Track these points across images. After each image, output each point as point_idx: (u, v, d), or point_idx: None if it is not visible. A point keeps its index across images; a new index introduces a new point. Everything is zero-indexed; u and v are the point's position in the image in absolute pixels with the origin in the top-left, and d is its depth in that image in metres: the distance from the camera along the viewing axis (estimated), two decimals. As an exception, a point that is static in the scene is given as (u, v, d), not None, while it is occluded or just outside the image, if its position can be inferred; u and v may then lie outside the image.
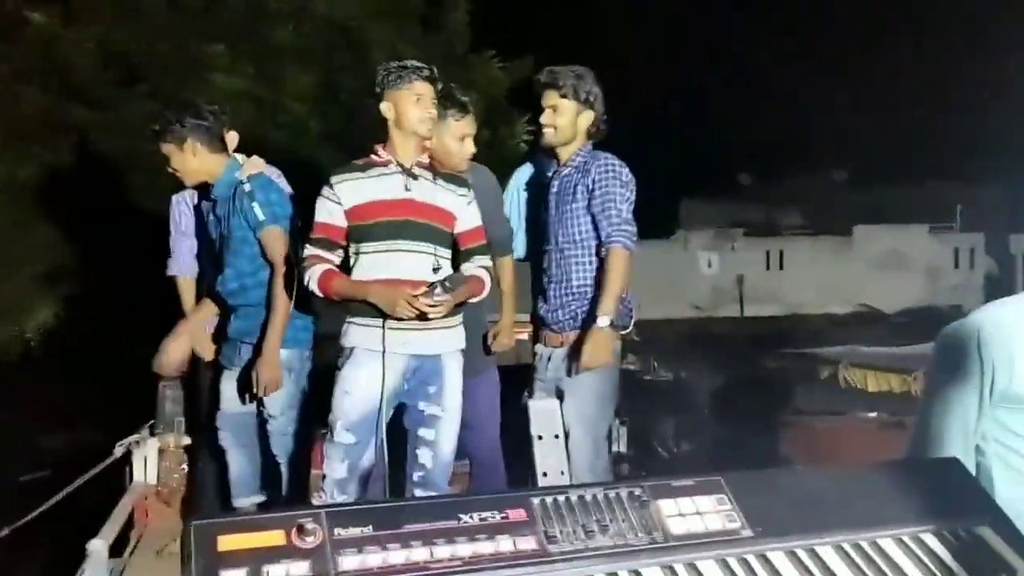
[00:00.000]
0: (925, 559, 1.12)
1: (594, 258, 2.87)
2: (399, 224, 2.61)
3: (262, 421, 3.00)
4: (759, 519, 1.09)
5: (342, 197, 2.62)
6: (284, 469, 3.01)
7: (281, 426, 2.97)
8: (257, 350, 2.87)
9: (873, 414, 5.69)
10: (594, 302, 2.81)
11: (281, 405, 2.94)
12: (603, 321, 2.75)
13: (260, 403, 2.95)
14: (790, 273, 13.46)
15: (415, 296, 2.49)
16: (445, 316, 2.60)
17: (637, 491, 1.07)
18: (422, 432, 2.66)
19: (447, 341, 2.69)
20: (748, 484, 1.14)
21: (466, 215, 2.75)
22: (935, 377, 1.59)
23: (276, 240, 2.86)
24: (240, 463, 3.05)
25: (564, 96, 2.90)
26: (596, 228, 2.85)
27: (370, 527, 0.91)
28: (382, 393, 2.59)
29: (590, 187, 2.85)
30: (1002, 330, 1.48)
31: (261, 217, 2.84)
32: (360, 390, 2.60)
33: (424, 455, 2.65)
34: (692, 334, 7.89)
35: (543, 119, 2.95)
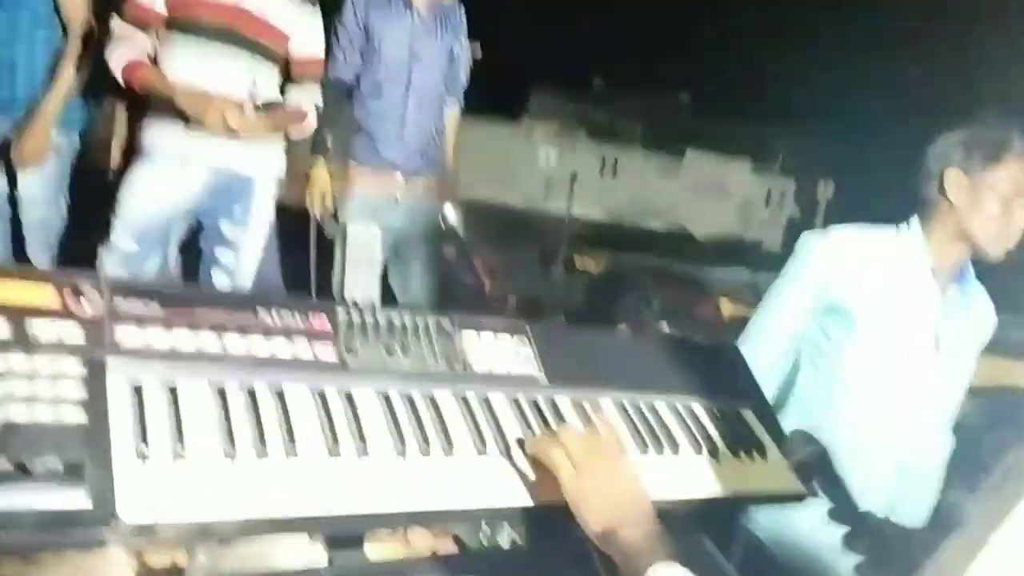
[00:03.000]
0: (691, 425, 1.22)
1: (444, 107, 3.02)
2: (221, 31, 2.40)
3: (16, 215, 2.65)
4: (554, 367, 1.14)
5: None
6: None
7: (42, 218, 2.64)
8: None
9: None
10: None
11: (42, 190, 2.60)
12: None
13: (13, 188, 2.60)
14: (621, 181, 13.93)
15: (227, 109, 2.34)
16: (264, 138, 2.48)
17: (445, 322, 1.08)
18: (219, 253, 2.54)
19: (264, 162, 2.56)
20: (550, 334, 1.18)
21: (305, 37, 2.58)
22: (782, 276, 1.80)
23: None
24: None
25: None
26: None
27: (157, 305, 0.86)
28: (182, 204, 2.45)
29: (455, 38, 2.96)
30: (845, 247, 1.72)
31: None
32: (152, 194, 2.42)
33: (219, 279, 2.55)
34: (517, 223, 7.99)
35: None
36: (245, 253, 2.56)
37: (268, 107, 2.44)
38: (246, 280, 2.56)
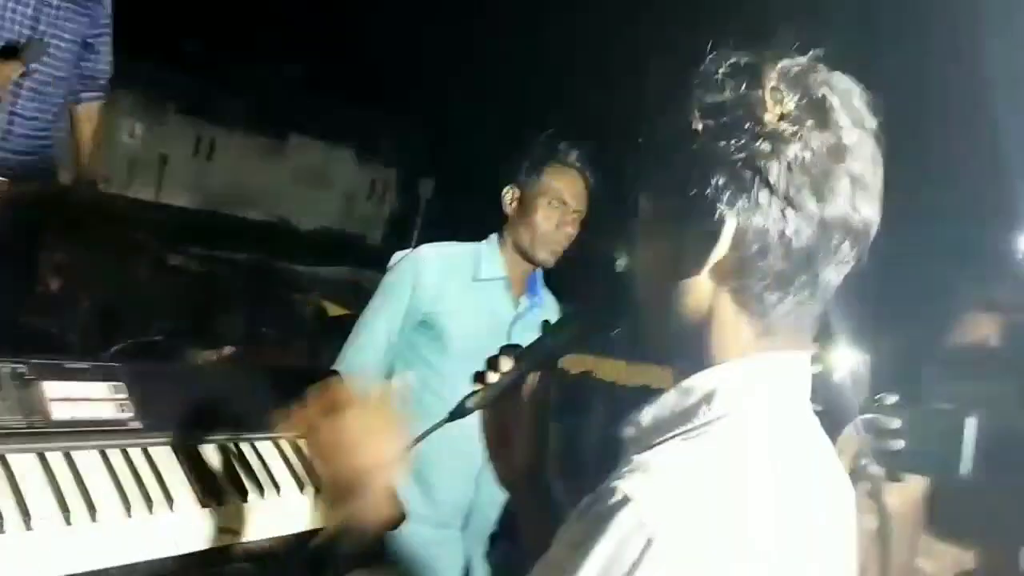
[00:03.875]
0: (292, 461, 1.30)
1: None
2: None
3: None
4: (151, 412, 1.14)
5: None
6: None
7: None
8: None
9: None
10: None
11: None
12: None
13: None
14: (217, 165, 13.35)
15: None
16: None
17: (21, 368, 1.03)
18: None
19: None
20: (146, 376, 1.17)
21: None
22: (378, 291, 1.93)
23: None
24: None
25: None
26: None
27: None
28: None
29: (94, 24, 2.84)
30: (433, 266, 1.90)
31: None
32: None
33: None
34: (94, 210, 7.27)
35: None
36: None
37: None
38: None
